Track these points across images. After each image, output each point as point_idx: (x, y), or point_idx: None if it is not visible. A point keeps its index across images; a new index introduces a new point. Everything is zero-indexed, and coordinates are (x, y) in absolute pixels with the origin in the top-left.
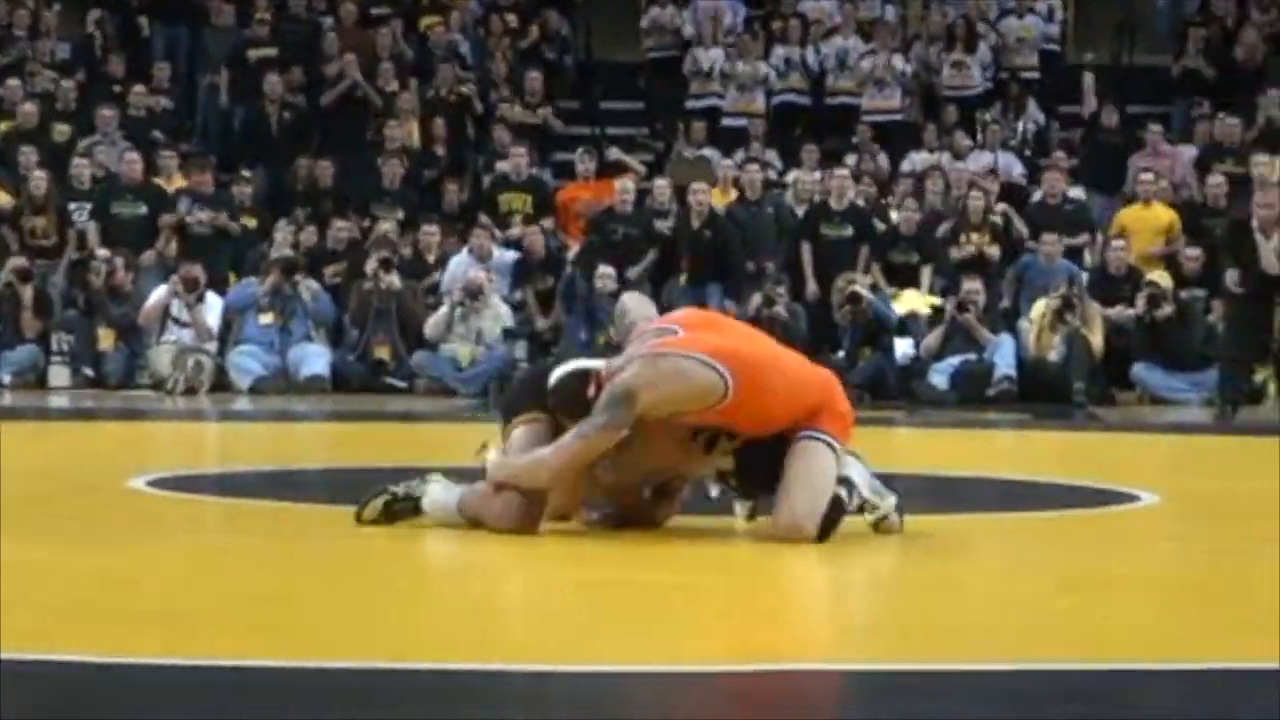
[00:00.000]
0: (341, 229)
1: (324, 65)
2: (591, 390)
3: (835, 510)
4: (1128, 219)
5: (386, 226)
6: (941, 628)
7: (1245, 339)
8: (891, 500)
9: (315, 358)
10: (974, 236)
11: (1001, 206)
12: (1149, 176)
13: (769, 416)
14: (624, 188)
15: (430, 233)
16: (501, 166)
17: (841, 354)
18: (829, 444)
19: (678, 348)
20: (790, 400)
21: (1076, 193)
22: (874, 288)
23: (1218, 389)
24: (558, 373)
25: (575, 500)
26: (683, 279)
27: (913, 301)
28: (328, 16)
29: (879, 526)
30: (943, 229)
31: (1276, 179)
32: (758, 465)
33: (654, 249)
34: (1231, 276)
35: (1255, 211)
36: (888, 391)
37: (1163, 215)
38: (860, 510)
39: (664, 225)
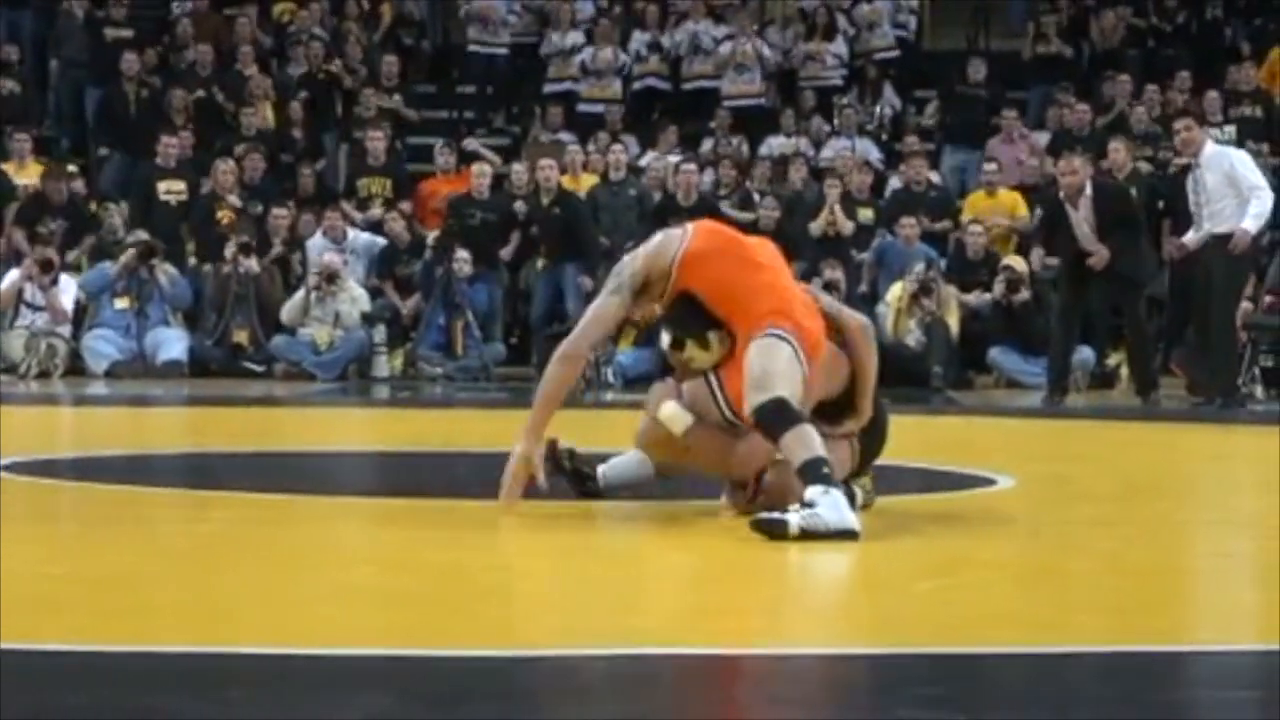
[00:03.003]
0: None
1: (179, 51)
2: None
3: (780, 409)
4: (975, 206)
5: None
6: (802, 612)
7: (1069, 323)
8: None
9: (172, 342)
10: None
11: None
12: (992, 166)
13: (727, 281)
14: (480, 172)
15: (279, 215)
16: (360, 151)
17: None
18: (784, 339)
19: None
20: (748, 287)
21: (937, 178)
22: None
23: (1048, 376)
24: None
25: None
26: (540, 262)
27: None
28: (184, 2)
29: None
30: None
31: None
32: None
33: (513, 232)
34: (1037, 257)
35: (1059, 182)
36: None
37: (1007, 201)
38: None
39: (521, 209)
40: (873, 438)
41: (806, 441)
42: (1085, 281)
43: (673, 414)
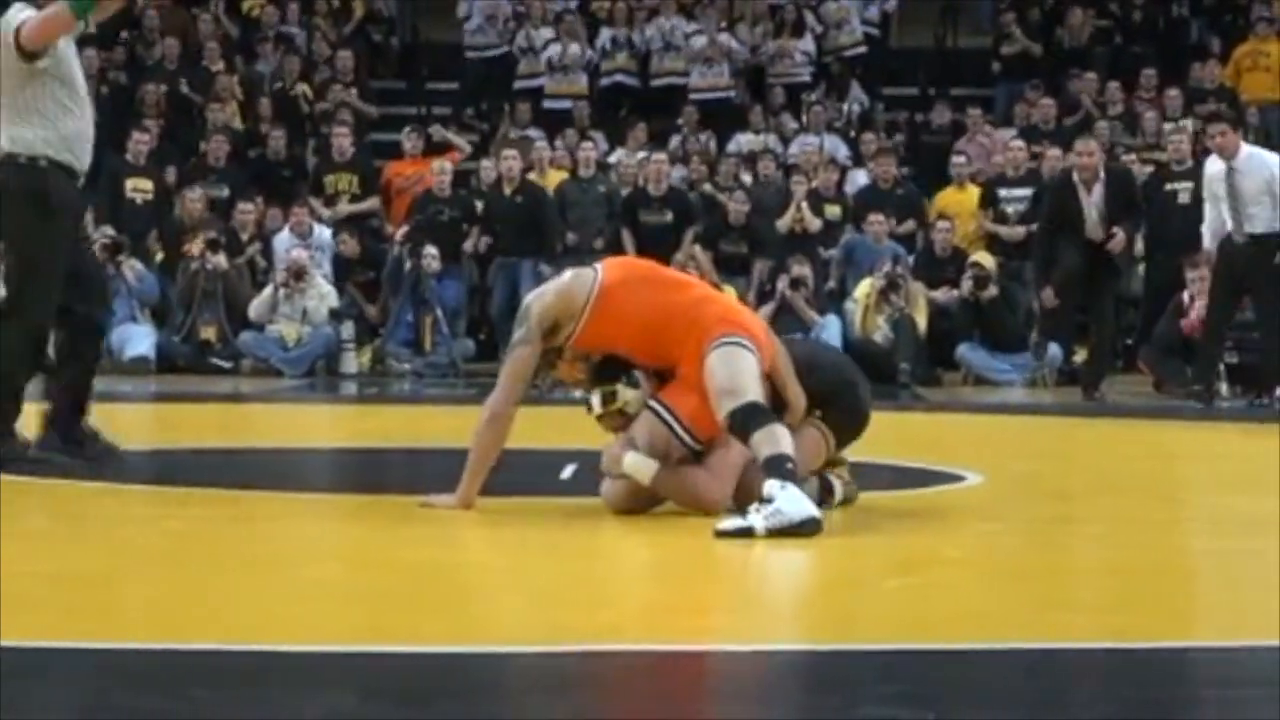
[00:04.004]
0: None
1: (146, 47)
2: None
3: (754, 411)
4: (944, 202)
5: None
6: (769, 608)
7: (1068, 314)
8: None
9: (139, 338)
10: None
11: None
12: (961, 159)
13: (642, 321)
14: (441, 168)
15: (245, 210)
16: (326, 147)
17: None
18: (741, 345)
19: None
20: (670, 308)
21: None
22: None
23: (1033, 365)
24: None
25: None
26: (499, 255)
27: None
28: None
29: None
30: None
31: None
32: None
33: (478, 228)
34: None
35: (1075, 163)
36: None
37: (976, 196)
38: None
39: (482, 205)
40: (843, 415)
41: (774, 439)
42: (1085, 273)
43: (636, 465)
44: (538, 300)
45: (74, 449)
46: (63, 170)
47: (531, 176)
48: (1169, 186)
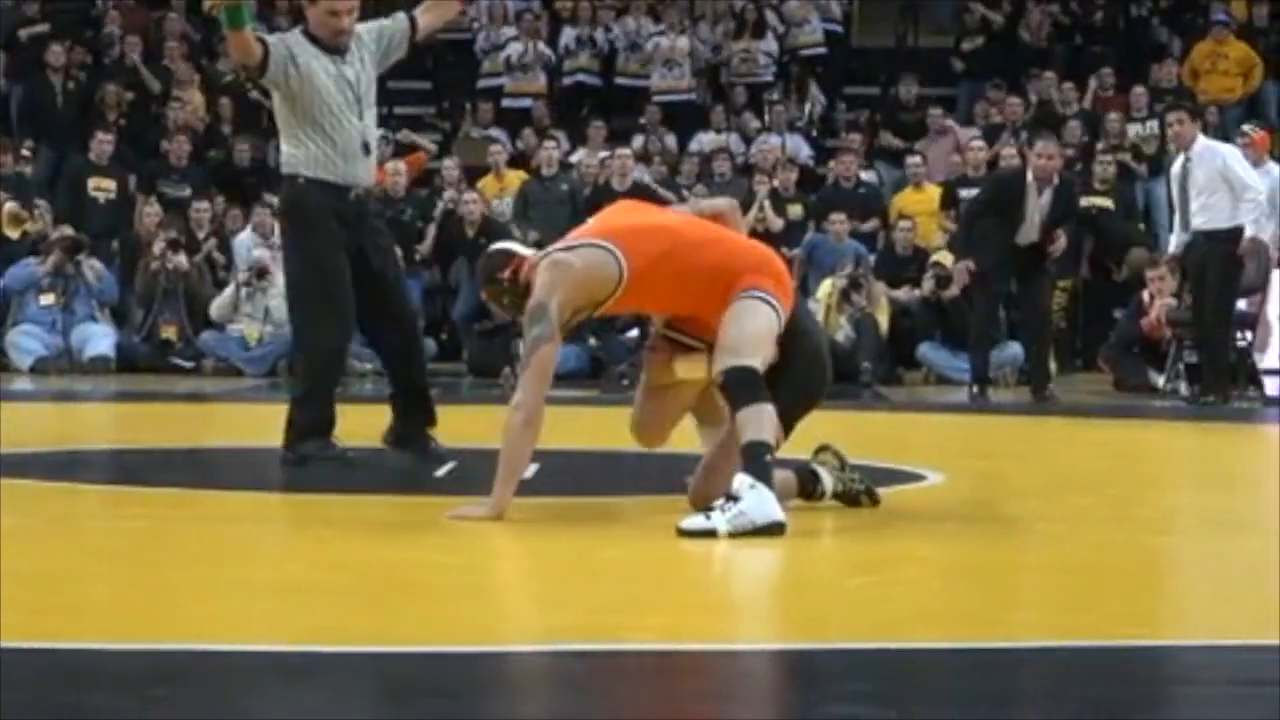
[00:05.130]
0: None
1: (106, 47)
2: (507, 273)
3: (749, 379)
4: (903, 203)
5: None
6: (733, 608)
7: (992, 317)
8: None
9: (99, 338)
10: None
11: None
12: (916, 160)
13: (671, 284)
14: (395, 169)
15: (201, 209)
16: None
17: (636, 333)
18: (764, 300)
19: (574, 239)
20: (690, 265)
21: (868, 175)
22: None
23: (970, 371)
24: (492, 247)
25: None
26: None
27: None
28: None
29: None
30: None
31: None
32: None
33: (434, 229)
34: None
35: (1033, 162)
36: None
37: (935, 195)
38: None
39: (448, 205)
40: (802, 385)
41: (759, 422)
42: (1016, 272)
43: (689, 366)
44: (552, 296)
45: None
46: (320, 185)
47: (489, 181)
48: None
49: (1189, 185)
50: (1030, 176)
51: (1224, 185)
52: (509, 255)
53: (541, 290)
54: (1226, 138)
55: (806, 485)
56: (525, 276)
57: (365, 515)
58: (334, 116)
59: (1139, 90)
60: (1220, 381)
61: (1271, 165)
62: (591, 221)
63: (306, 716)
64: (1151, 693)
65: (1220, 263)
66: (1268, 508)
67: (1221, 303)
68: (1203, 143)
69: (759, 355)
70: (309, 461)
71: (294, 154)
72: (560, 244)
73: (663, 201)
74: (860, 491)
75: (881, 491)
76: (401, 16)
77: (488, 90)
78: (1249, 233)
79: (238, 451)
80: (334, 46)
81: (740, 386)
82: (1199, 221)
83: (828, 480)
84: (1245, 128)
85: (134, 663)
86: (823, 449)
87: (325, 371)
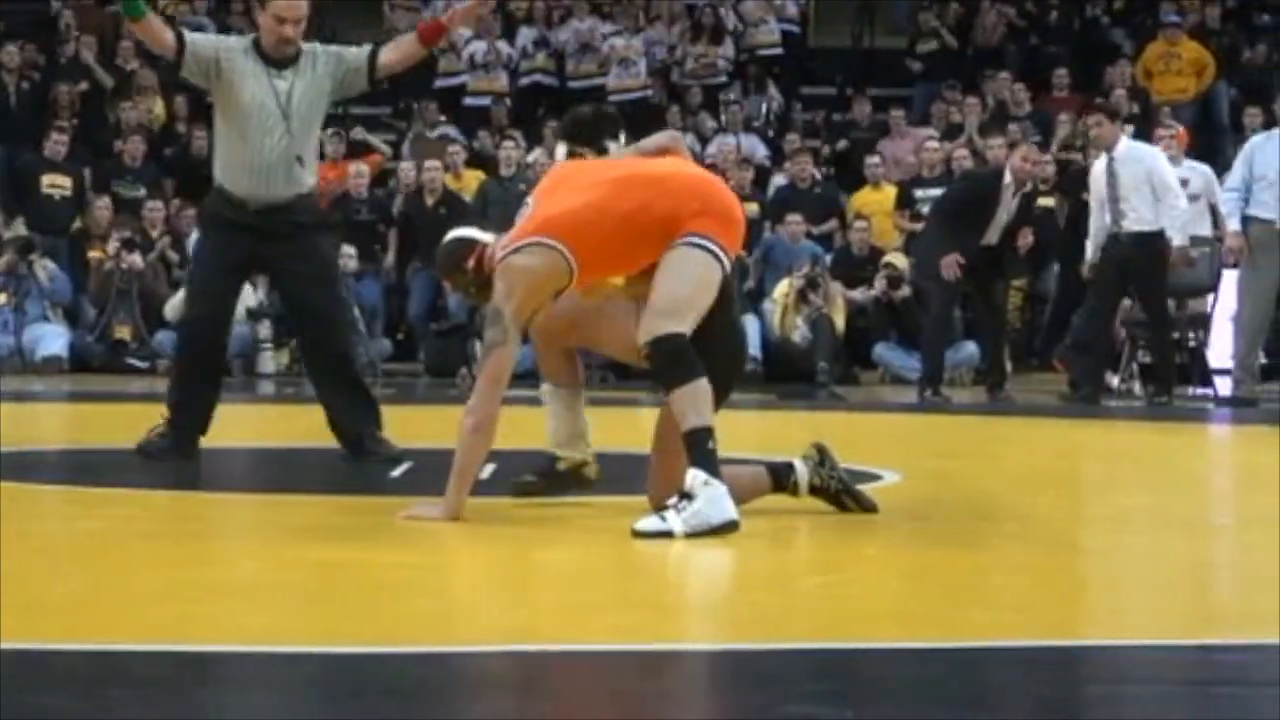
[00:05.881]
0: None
1: (59, 45)
2: (470, 263)
3: (679, 354)
4: (860, 202)
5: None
6: (688, 608)
7: (948, 316)
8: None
9: (52, 338)
10: None
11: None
12: (875, 160)
13: (621, 255)
14: (358, 171)
15: (154, 208)
16: None
17: None
18: (702, 246)
19: (520, 239)
20: (634, 232)
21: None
22: None
23: (922, 370)
24: (448, 236)
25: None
26: (417, 261)
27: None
28: None
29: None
30: None
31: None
32: None
33: (394, 230)
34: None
35: (1014, 164)
36: (632, 371)
37: (891, 195)
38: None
39: (400, 207)
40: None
41: (698, 404)
42: (975, 272)
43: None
44: (508, 301)
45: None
46: (221, 193)
47: (448, 179)
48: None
49: (1117, 186)
50: (1008, 178)
51: (1149, 187)
52: (470, 244)
53: (499, 295)
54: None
55: (781, 479)
56: (488, 266)
57: (319, 516)
58: (253, 127)
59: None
60: (1167, 381)
61: (1199, 165)
62: (533, 205)
63: (261, 717)
64: (1106, 691)
65: (1151, 265)
66: (1218, 507)
67: (1158, 305)
68: (1127, 144)
69: (690, 315)
70: (147, 456)
71: (216, 156)
72: (512, 243)
73: None
74: (840, 491)
75: None
76: (366, 49)
77: (448, 90)
78: (1177, 241)
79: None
80: (277, 57)
81: (670, 362)
82: (1127, 223)
83: (802, 473)
84: (1166, 124)
85: (90, 663)
86: (815, 445)
87: (181, 371)
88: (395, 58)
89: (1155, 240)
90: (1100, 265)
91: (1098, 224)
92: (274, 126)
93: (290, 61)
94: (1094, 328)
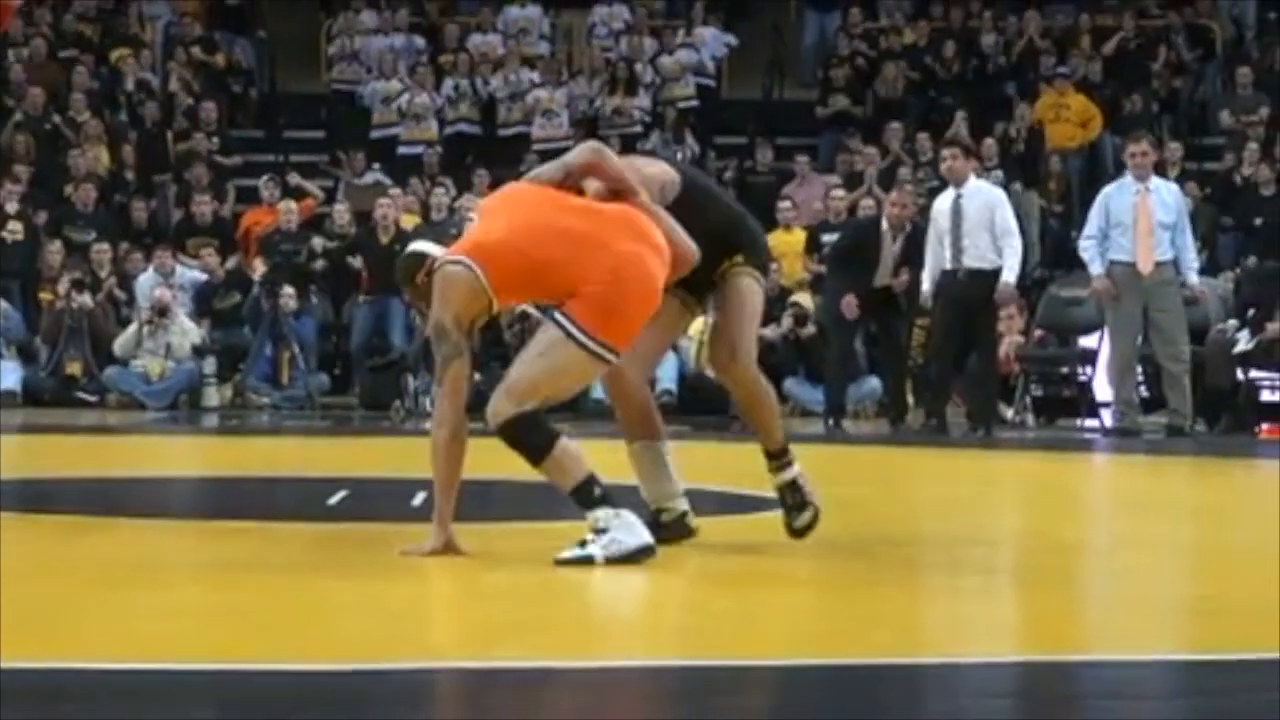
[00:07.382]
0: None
1: (17, 99)
2: (422, 276)
3: (530, 431)
4: (772, 243)
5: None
6: (601, 627)
7: (849, 352)
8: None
9: (6, 373)
10: None
11: None
12: (786, 204)
13: (528, 291)
14: (287, 209)
15: (101, 250)
16: (189, 215)
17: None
18: (566, 330)
19: (454, 253)
20: (537, 278)
21: None
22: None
23: (825, 403)
24: (407, 249)
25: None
26: (362, 296)
27: None
28: (14, 49)
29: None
30: None
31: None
32: None
33: (322, 259)
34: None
35: (887, 211)
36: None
37: (801, 238)
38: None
39: (339, 245)
40: (747, 237)
41: (566, 466)
42: (872, 311)
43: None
44: (446, 312)
45: None
46: None
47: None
48: None
49: (961, 222)
50: (885, 224)
51: (990, 225)
52: (423, 258)
53: (436, 308)
54: (1069, 187)
55: (793, 496)
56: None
57: (259, 541)
58: None
59: (989, 141)
60: (987, 415)
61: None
62: (476, 221)
63: None
64: (1000, 706)
65: (987, 302)
66: (1104, 530)
67: (989, 340)
68: (975, 182)
69: (538, 397)
70: None
71: None
72: (449, 255)
73: None
74: (790, 506)
75: (750, 518)
76: None
77: (382, 140)
78: (1007, 278)
79: (140, 481)
80: None
81: (524, 443)
82: (967, 259)
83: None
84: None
85: (42, 680)
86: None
87: None
88: None
89: (991, 278)
90: (936, 301)
91: (935, 259)
92: None
93: None
94: (939, 366)
